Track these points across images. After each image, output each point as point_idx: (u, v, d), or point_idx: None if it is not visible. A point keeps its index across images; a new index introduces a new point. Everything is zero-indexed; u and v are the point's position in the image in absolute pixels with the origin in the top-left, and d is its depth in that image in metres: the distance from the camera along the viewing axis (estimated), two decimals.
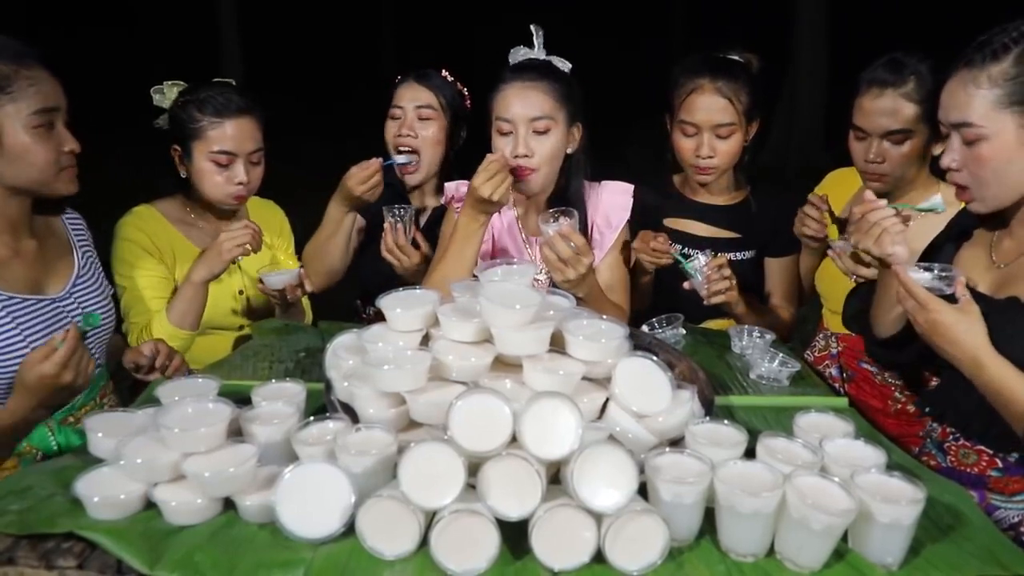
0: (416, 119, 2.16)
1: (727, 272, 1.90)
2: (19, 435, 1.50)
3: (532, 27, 1.91)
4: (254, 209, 2.21)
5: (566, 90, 1.86)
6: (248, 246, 1.92)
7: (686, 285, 1.93)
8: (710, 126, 1.97)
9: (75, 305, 1.61)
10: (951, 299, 1.32)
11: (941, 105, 1.37)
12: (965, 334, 1.28)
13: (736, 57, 2.04)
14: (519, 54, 1.92)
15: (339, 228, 2.19)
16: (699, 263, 1.91)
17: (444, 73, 2.24)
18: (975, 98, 1.29)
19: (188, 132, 1.94)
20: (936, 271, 1.35)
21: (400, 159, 2.16)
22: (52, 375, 1.38)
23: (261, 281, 2.01)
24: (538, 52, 1.91)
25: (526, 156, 1.82)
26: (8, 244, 1.54)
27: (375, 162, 2.07)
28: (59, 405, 1.54)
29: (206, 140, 1.93)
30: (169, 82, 2.02)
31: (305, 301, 2.22)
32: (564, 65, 1.93)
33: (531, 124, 1.82)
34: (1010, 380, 1.26)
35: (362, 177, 2.07)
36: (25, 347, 1.47)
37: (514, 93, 1.83)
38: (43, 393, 1.42)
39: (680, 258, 1.93)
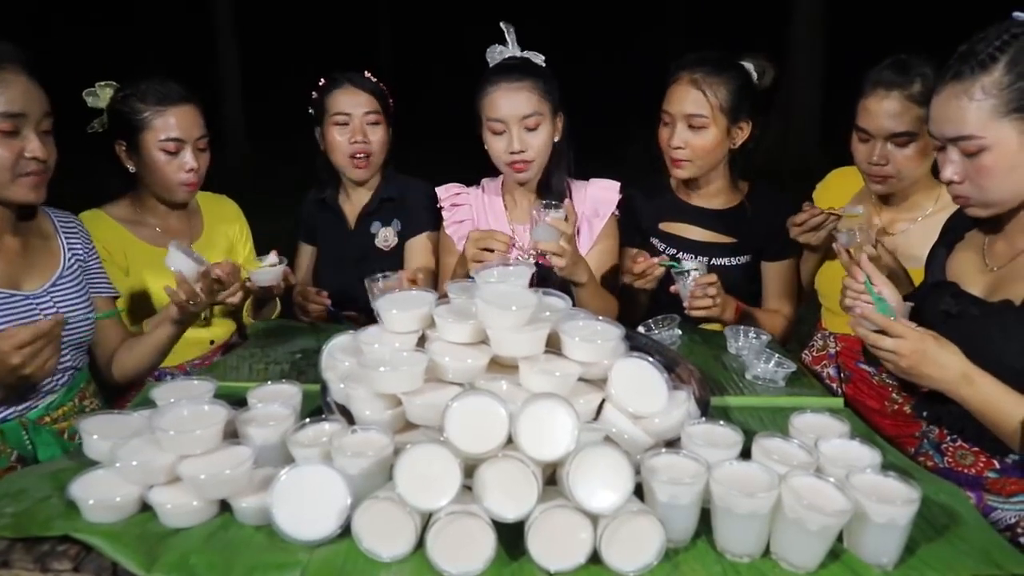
0: (365, 124, 2.16)
1: (712, 292, 1.89)
2: None
3: (502, 24, 2.00)
4: (207, 204, 2.22)
5: (547, 85, 1.96)
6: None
7: (672, 289, 1.94)
8: (682, 116, 1.98)
9: (51, 303, 1.62)
10: None
11: (932, 119, 1.35)
12: (951, 356, 1.29)
13: (747, 62, 2.03)
14: (495, 52, 2.01)
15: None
16: (690, 266, 1.92)
17: (368, 75, 2.21)
18: (969, 110, 1.27)
19: (134, 124, 1.94)
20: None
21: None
22: (3, 350, 1.38)
23: (249, 279, 1.98)
24: (513, 48, 2.01)
25: (522, 151, 1.95)
26: None
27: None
28: (23, 397, 1.55)
29: (153, 130, 1.94)
30: (101, 83, 2.02)
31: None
32: (538, 59, 2.02)
33: (522, 122, 1.93)
34: (997, 396, 1.27)
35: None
36: None
37: (502, 95, 1.92)
38: None
39: (673, 263, 1.93)
